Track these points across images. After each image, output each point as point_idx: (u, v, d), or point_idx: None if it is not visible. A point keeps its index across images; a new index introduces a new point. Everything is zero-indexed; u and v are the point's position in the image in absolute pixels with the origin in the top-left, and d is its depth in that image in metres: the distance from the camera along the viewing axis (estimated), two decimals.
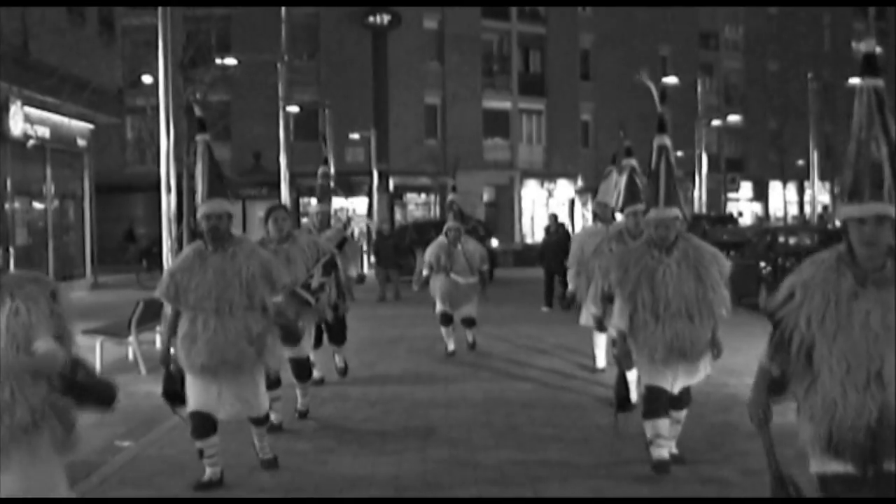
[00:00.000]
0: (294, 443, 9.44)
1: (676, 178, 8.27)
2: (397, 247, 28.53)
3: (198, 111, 9.64)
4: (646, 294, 7.81)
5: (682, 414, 8.29)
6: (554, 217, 26.03)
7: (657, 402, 7.98)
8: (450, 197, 16.21)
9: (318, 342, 12.08)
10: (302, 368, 10.47)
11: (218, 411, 7.84)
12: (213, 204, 7.88)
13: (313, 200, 14.49)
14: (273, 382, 9.11)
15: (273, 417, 9.99)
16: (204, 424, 7.80)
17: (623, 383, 9.57)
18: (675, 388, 8.04)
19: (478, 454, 8.88)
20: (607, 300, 9.62)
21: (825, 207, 49.10)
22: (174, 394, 7.99)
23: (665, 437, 8.00)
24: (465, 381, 12.76)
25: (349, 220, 43.27)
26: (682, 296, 7.76)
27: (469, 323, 15.48)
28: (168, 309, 8.06)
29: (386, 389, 12.29)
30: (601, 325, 11.73)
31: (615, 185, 12.25)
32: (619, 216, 11.75)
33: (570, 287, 12.76)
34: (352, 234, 33.80)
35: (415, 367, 14.09)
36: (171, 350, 7.97)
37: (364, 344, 16.79)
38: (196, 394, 7.83)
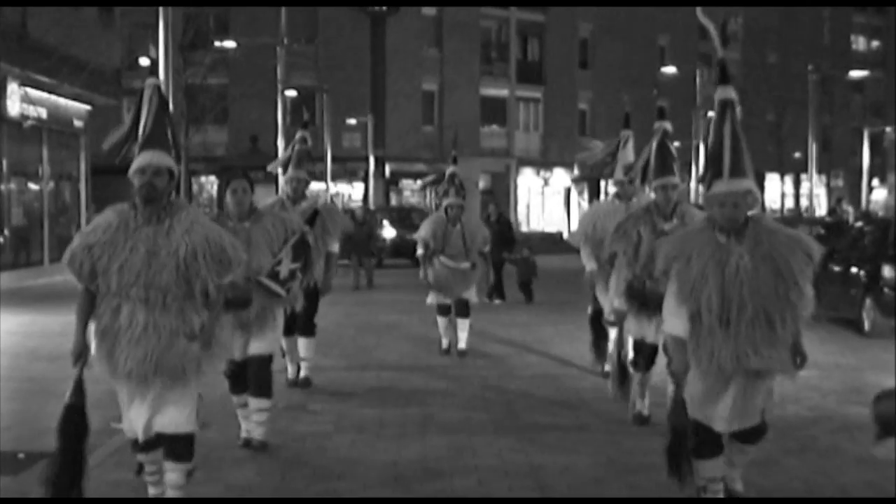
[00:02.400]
0: (292, 427, 9.40)
1: (745, 142, 6.36)
2: (371, 233, 27.96)
3: (153, 53, 7.80)
4: (713, 292, 6.12)
5: (753, 448, 6.66)
6: (494, 206, 25.77)
7: (708, 439, 6.35)
8: (450, 169, 13.93)
9: (289, 330, 10.44)
10: (262, 371, 8.38)
11: (149, 431, 6.22)
12: (149, 155, 6.14)
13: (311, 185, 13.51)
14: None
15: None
16: (135, 444, 6.38)
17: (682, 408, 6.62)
18: (745, 422, 6.37)
19: (476, 441, 8.83)
20: (633, 295, 8.80)
21: (839, 199, 48.78)
22: (82, 413, 6.21)
23: (719, 479, 6.47)
24: (462, 368, 12.72)
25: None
26: (760, 295, 6.12)
27: (463, 311, 13.47)
28: (80, 287, 6.23)
29: (383, 375, 12.26)
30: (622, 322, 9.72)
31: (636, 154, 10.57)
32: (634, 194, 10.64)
33: (588, 268, 10.83)
34: (331, 199, 33.45)
35: (412, 353, 14.05)
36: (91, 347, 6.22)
37: (361, 329, 16.80)
38: (121, 408, 6.36)
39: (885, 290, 15.48)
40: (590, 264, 10.81)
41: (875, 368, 12.44)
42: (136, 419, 6.19)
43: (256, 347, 8.27)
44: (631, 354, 9.40)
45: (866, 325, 15.84)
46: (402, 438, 8.92)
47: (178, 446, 6.21)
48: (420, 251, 13.41)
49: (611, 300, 9.87)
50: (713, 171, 6.27)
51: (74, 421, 6.14)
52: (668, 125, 8.79)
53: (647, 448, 8.31)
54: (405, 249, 33.55)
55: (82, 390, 6.16)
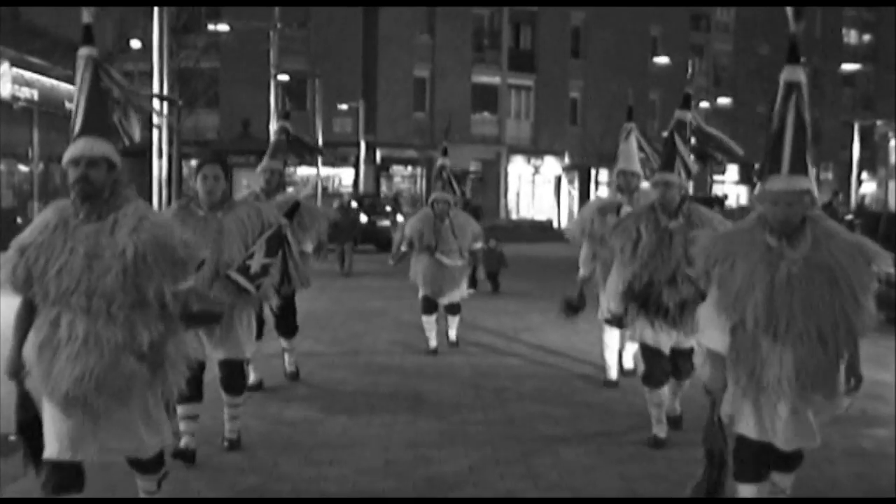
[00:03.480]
0: (283, 410, 9.43)
1: (810, 133, 5.52)
2: (355, 221, 27.79)
3: (87, 17, 5.27)
4: (760, 302, 5.33)
5: (791, 479, 5.97)
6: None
7: (754, 462, 5.63)
8: (440, 161, 13.35)
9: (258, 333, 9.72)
10: (235, 377, 7.86)
11: (88, 454, 5.30)
12: (82, 144, 5.23)
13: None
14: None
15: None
16: (66, 479, 5.30)
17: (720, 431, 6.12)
18: (788, 446, 5.61)
19: (468, 426, 8.88)
20: (631, 297, 8.04)
21: (836, 193, 48.67)
22: (36, 425, 5.42)
23: None
24: (452, 355, 12.75)
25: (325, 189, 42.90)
26: (813, 308, 5.29)
27: (454, 310, 13.29)
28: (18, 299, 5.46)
29: (374, 360, 12.29)
30: (620, 324, 9.00)
31: (640, 148, 10.33)
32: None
33: (582, 272, 10.47)
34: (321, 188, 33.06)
35: (402, 339, 14.07)
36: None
37: (352, 314, 16.84)
38: (56, 433, 5.29)
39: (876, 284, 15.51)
40: (584, 268, 10.43)
41: (865, 362, 12.44)
42: (81, 448, 5.26)
43: (227, 351, 7.65)
44: (633, 365, 8.60)
45: None
46: (393, 424, 8.95)
47: (140, 465, 5.67)
48: (404, 248, 12.87)
49: (607, 301, 9.43)
50: (771, 163, 5.42)
51: (32, 438, 5.43)
52: (686, 116, 8.23)
53: (637, 438, 8.38)
54: (374, 235, 33.72)
55: (29, 404, 5.45)
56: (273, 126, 33.65)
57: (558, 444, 8.36)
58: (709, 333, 5.64)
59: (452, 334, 13.39)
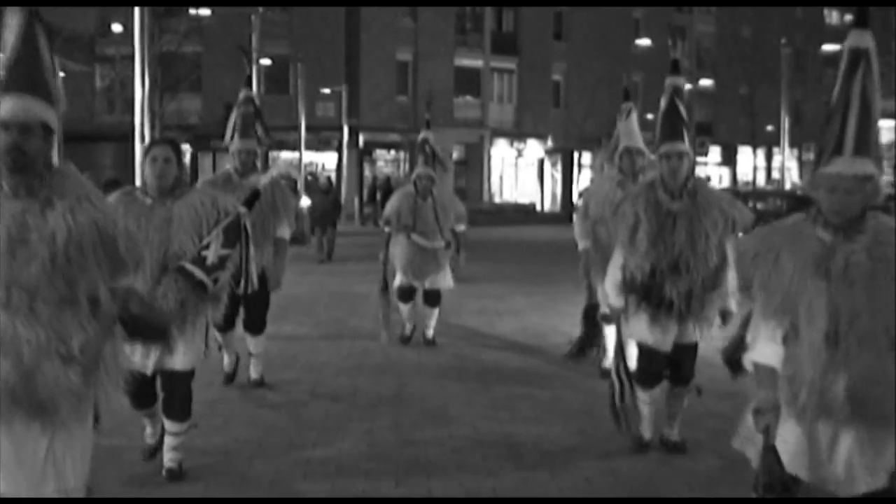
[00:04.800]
0: (267, 394, 9.48)
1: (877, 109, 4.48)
2: (336, 204, 27.24)
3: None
4: (815, 304, 4.39)
5: None
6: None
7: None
8: (422, 134, 12.22)
9: (229, 323, 9.08)
10: (178, 394, 6.69)
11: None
12: (12, 104, 4.29)
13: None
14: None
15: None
16: None
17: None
18: (871, 482, 4.40)
19: (450, 410, 8.93)
20: (631, 289, 7.26)
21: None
22: None
23: None
24: (435, 338, 12.77)
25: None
26: (877, 311, 4.33)
27: (433, 299, 12.14)
28: None
29: (356, 345, 12.32)
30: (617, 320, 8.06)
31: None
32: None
33: (581, 245, 9.84)
34: (295, 183, 32.68)
35: None
36: None
37: (335, 298, 16.88)
38: None
39: None
40: (583, 242, 9.72)
41: None
42: None
43: (175, 361, 6.49)
44: (632, 364, 7.72)
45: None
46: (376, 407, 9.01)
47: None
48: (386, 229, 11.96)
49: (604, 294, 8.26)
50: (833, 143, 4.44)
51: None
52: (679, 81, 7.51)
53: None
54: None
55: None
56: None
57: (540, 424, 8.43)
58: (760, 347, 4.61)
59: (429, 332, 12.23)
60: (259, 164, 9.75)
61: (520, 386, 10.02)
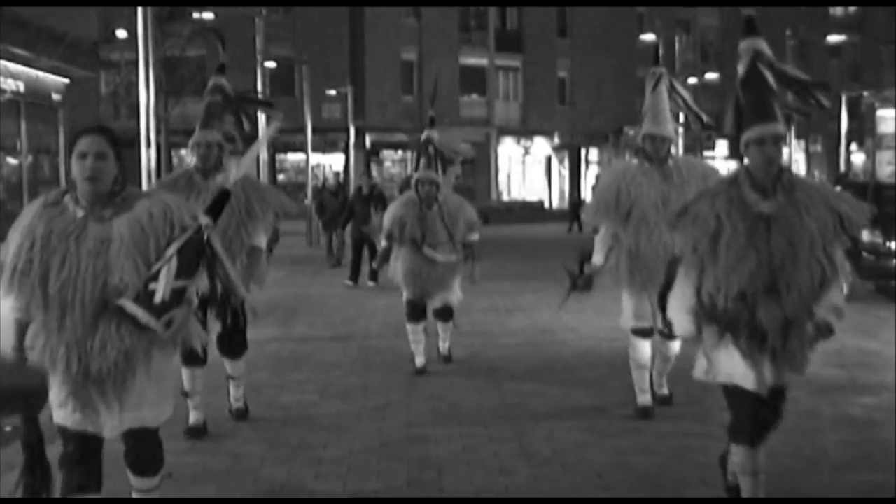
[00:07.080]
0: (278, 395, 9.47)
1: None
2: (344, 204, 24.22)
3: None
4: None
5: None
6: (367, 176, 23.49)
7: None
8: (426, 133, 10.65)
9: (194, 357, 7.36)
10: (144, 453, 5.09)
11: None
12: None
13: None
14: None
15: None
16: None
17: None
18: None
19: (461, 408, 8.93)
20: (710, 316, 5.25)
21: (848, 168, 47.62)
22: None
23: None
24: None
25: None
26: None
27: (445, 315, 10.92)
28: None
29: (367, 343, 12.34)
30: (649, 334, 7.84)
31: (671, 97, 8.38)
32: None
33: (597, 259, 8.11)
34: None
35: (395, 323, 14.06)
36: None
37: (345, 299, 16.89)
38: None
39: (863, 253, 15.61)
40: (598, 257, 8.10)
41: (854, 332, 12.55)
42: None
43: (134, 418, 4.84)
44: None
45: (844, 289, 15.94)
46: (386, 407, 9.00)
47: None
48: (384, 243, 10.61)
49: (632, 305, 7.94)
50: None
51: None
52: (762, 45, 6.01)
53: (628, 413, 8.44)
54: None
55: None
56: (260, 114, 33.44)
57: (551, 421, 8.41)
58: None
59: (444, 346, 11.17)
60: (225, 161, 8.07)
61: (530, 382, 10.01)
